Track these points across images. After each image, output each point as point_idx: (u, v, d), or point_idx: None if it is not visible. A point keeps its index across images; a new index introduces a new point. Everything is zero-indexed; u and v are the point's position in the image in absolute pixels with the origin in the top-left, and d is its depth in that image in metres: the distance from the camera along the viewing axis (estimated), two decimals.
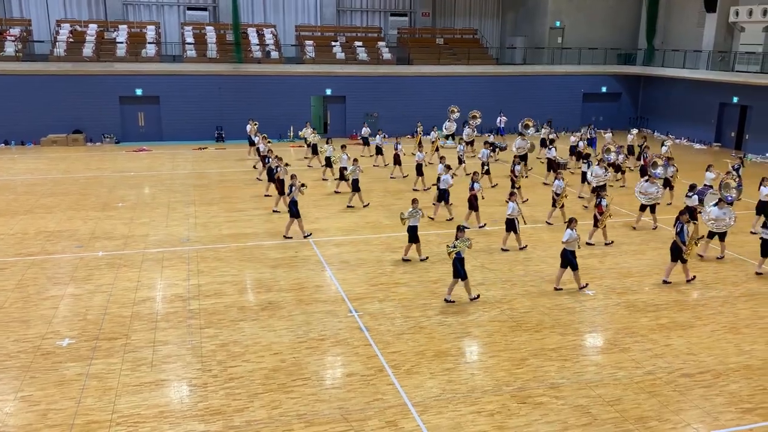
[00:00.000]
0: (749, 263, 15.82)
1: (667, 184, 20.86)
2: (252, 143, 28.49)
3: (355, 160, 21.33)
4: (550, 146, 25.09)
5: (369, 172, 25.09)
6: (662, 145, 25.89)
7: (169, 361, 10.64)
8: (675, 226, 14.57)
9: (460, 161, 24.89)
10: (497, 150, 28.33)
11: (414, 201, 15.88)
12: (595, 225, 16.85)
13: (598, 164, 20.46)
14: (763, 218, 17.50)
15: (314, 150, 27.04)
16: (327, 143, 25.16)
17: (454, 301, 13.23)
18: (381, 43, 37.51)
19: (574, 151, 26.82)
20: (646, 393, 9.92)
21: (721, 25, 32.81)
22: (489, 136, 32.15)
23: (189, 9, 37.71)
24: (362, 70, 34.80)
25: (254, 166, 26.48)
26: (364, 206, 20.45)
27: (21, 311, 12.50)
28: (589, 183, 20.80)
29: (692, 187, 17.99)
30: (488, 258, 15.93)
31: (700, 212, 17.40)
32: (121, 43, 33.14)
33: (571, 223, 13.84)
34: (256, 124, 28.71)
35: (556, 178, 19.01)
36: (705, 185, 20.02)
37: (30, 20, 34.44)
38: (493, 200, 20.90)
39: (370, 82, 34.65)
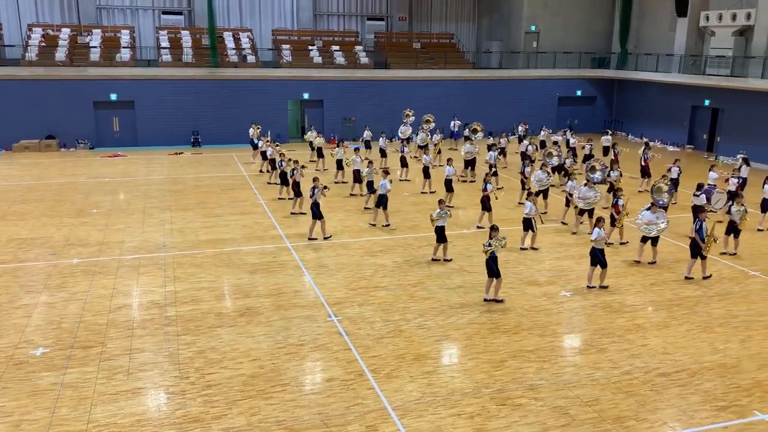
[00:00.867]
0: (721, 263, 16.08)
1: (611, 189, 20.04)
2: (255, 147, 28.62)
3: (370, 162, 21.63)
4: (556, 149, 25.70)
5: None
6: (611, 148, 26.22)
7: (146, 369, 10.51)
8: (694, 224, 15.11)
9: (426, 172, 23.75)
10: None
11: (440, 201, 16.30)
12: (613, 224, 17.18)
13: (541, 168, 20.33)
14: None
15: (319, 153, 27.17)
16: (338, 146, 25.35)
17: (498, 299, 13.50)
18: (358, 47, 37.56)
19: (524, 156, 26.92)
20: (624, 393, 10.02)
21: (692, 30, 33.40)
22: (488, 139, 32.00)
23: (164, 13, 37.39)
24: (339, 74, 34.79)
25: (261, 170, 26.45)
26: (366, 208, 20.73)
27: None
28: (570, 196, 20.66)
29: (699, 187, 18.54)
30: (467, 261, 15.99)
31: (711, 211, 17.92)
32: (95, 47, 32.74)
33: (598, 222, 14.19)
34: (258, 128, 28.77)
35: (568, 180, 19.64)
36: (709, 185, 20.04)
37: (0, 24, 33.88)
38: (471, 203, 21.03)
39: (347, 86, 34.66)
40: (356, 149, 23.24)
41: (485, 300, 13.49)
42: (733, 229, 16.46)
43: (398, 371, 10.57)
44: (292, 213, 19.97)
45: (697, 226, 14.80)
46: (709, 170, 21.23)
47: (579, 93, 38.92)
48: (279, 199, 21.73)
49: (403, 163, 25.13)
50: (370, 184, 20.62)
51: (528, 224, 16.69)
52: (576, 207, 18.39)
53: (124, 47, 33.48)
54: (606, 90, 39.42)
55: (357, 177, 22.23)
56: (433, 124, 30.66)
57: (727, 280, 15.04)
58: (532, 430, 9.04)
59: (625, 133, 38.25)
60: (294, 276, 14.85)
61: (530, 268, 15.60)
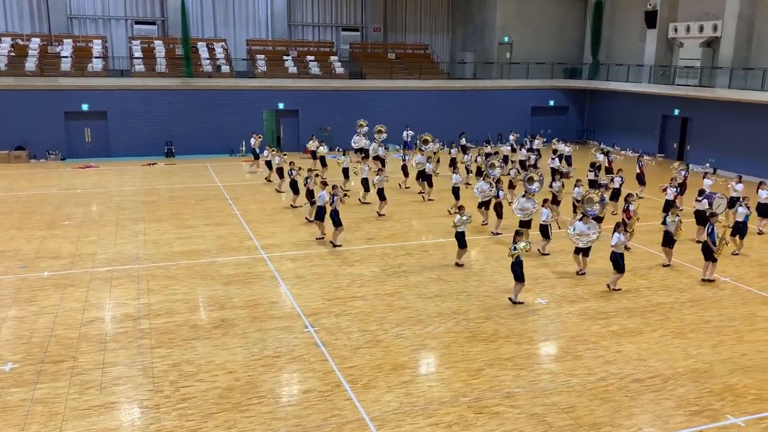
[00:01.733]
0: (694, 269, 16.35)
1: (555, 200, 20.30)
2: (256, 156, 28.79)
3: (380, 169, 21.97)
4: (553, 156, 26.20)
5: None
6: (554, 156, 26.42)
7: (119, 383, 10.33)
8: (706, 228, 15.67)
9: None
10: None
11: (460, 208, 16.53)
12: (625, 230, 17.30)
13: (484, 179, 20.03)
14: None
15: (323, 162, 27.27)
16: (344, 155, 25.85)
17: (522, 302, 13.93)
18: (333, 58, 37.62)
19: (523, 164, 27.49)
20: (599, 399, 10.11)
21: (661, 41, 34.07)
22: (486, 146, 31.81)
23: (137, 23, 37.08)
24: (315, 84, 34.79)
25: (268, 179, 26.44)
26: (380, 215, 21.04)
27: None
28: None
29: (701, 192, 19.06)
30: (444, 270, 16.04)
31: (712, 215, 17.84)
32: (66, 57, 32.30)
33: (618, 227, 14.66)
34: (260, 138, 29.09)
35: (575, 186, 19.86)
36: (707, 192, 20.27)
37: None
38: (438, 212, 21.14)
39: (322, 96, 34.65)
40: (364, 158, 23.93)
41: (512, 302, 13.97)
42: (668, 239, 16.28)
43: (376, 381, 10.53)
44: (308, 220, 20.21)
45: (709, 230, 15.43)
46: (703, 178, 21.85)
47: (552, 103, 39.40)
48: (292, 206, 21.99)
49: (405, 172, 25.35)
50: (381, 192, 21.00)
51: (545, 231, 17.08)
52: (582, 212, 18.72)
53: (96, 57, 33.08)
54: (578, 100, 39.98)
55: (366, 185, 22.68)
56: (385, 135, 30.20)
57: (698, 286, 15.29)
58: None
59: (598, 142, 38.77)
60: (270, 287, 14.75)
61: (506, 276, 15.65)
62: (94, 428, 9.09)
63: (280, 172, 24.62)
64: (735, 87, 28.81)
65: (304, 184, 20.67)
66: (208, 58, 34.67)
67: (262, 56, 36.08)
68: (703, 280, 15.56)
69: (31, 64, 31.30)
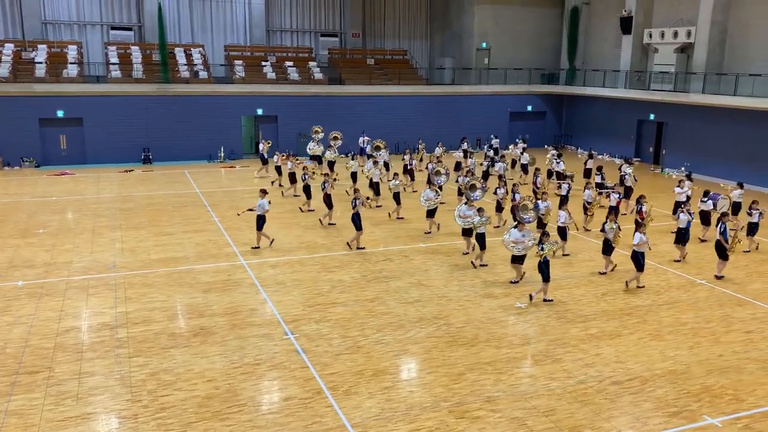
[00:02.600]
0: (670, 273, 16.56)
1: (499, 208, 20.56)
2: (265, 162, 28.86)
3: (396, 174, 22.33)
4: (558, 160, 26.51)
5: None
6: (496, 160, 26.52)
7: (96, 393, 10.17)
8: (718, 227, 16.04)
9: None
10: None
11: (480, 210, 16.81)
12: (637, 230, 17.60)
13: (429, 187, 20.06)
14: None
15: (330, 167, 27.42)
16: (352, 159, 26.12)
17: (552, 299, 14.39)
18: (312, 63, 37.59)
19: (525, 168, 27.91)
20: (579, 402, 10.18)
21: (636, 47, 34.54)
22: (489, 150, 31.81)
23: (113, 28, 36.72)
24: (294, 90, 34.71)
25: (280, 184, 26.50)
26: (399, 218, 21.32)
27: None
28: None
29: (706, 193, 19.55)
30: (424, 275, 16.06)
31: (724, 214, 17.91)
32: (41, 63, 31.87)
33: (639, 227, 15.22)
34: (269, 143, 29.23)
35: (585, 188, 20.57)
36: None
37: None
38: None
39: (301, 101, 34.59)
40: (375, 163, 24.19)
41: (544, 300, 14.37)
42: (607, 247, 16.02)
43: (357, 388, 10.50)
44: (330, 223, 20.54)
45: (721, 229, 15.91)
46: (677, 186, 21.78)
47: (530, 108, 39.74)
48: (309, 210, 22.21)
49: (411, 176, 25.40)
50: (396, 196, 21.40)
51: (564, 233, 17.27)
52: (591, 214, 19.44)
53: (71, 63, 32.68)
54: (555, 105, 40.36)
55: (377, 189, 22.96)
56: (340, 141, 29.68)
57: (675, 288, 15.48)
58: None
59: (575, 147, 39.17)
60: (249, 294, 14.65)
61: (485, 280, 15.77)
62: None
63: (292, 176, 24.80)
64: (708, 92, 29.29)
65: (322, 189, 20.80)
66: (185, 64, 34.44)
67: (241, 62, 35.94)
68: (716, 276, 16.15)
69: (4, 70, 30.81)
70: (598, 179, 23.54)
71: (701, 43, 30.50)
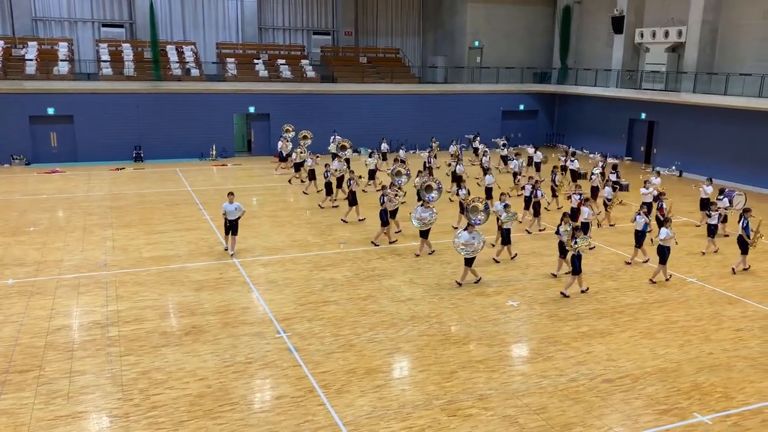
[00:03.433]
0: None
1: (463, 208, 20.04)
2: (283, 159, 29.13)
3: (420, 171, 22.41)
4: (572, 158, 26.56)
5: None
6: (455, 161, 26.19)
7: (87, 392, 10.13)
8: (740, 222, 16.47)
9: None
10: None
11: (506, 205, 17.12)
12: (723, 221, 18.17)
13: (390, 188, 19.43)
14: None
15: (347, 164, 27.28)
16: (370, 156, 26.22)
17: (587, 289, 15.05)
18: (304, 61, 37.51)
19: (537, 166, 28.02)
20: (571, 400, 10.22)
21: (628, 46, 34.68)
22: (503, 148, 31.47)
23: (104, 25, 36.50)
24: (286, 88, 34.63)
25: (290, 180, 26.78)
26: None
27: None
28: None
29: (722, 191, 19.89)
30: (417, 274, 16.08)
31: (746, 210, 17.63)
32: (31, 60, 31.65)
33: (666, 222, 15.64)
34: (288, 142, 29.55)
35: (605, 186, 20.84)
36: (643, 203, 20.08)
37: None
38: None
39: (294, 100, 34.52)
40: (396, 160, 24.27)
41: (562, 294, 14.68)
42: (561, 248, 15.87)
43: (349, 386, 10.50)
44: (359, 219, 20.73)
45: (744, 224, 16.33)
46: (604, 186, 21.72)
47: (522, 107, 39.81)
48: (333, 207, 22.49)
49: (430, 173, 25.00)
50: (420, 194, 21.25)
51: (586, 228, 17.41)
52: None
53: (62, 60, 32.47)
54: (548, 104, 40.46)
55: (329, 189, 22.85)
56: (310, 141, 29.51)
57: (666, 287, 15.56)
58: None
59: (567, 146, 39.27)
60: (241, 292, 14.62)
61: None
62: None
63: (311, 174, 24.95)
64: (699, 91, 29.45)
65: (348, 186, 21.03)
66: (177, 62, 34.30)
67: (233, 59, 35.81)
68: (733, 270, 16.55)
69: None
70: (613, 177, 23.64)
71: (692, 43, 30.66)
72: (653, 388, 10.67)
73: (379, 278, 15.70)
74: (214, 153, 32.85)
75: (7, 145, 30.04)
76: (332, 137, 31.57)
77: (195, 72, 34.03)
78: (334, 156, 26.30)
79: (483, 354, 11.75)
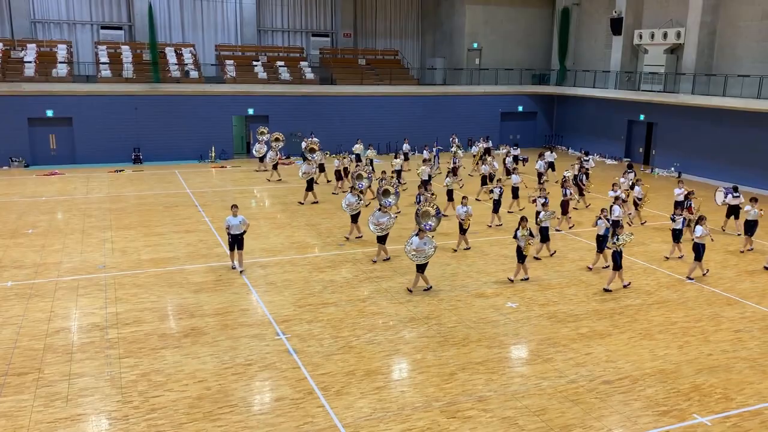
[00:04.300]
0: (660, 272, 16.65)
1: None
2: (305, 159, 28.76)
3: (450, 171, 22.75)
4: (587, 158, 26.72)
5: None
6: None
7: (86, 395, 10.12)
8: (694, 230, 16.29)
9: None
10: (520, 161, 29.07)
11: (545, 204, 17.46)
12: (687, 225, 17.94)
13: (351, 192, 19.18)
14: None
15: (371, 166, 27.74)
16: (396, 158, 26.67)
17: (630, 283, 15.39)
18: (303, 63, 37.52)
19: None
20: (570, 401, 10.22)
21: (626, 47, 34.70)
22: (516, 148, 31.01)
23: (103, 28, 36.49)
24: (285, 90, 34.64)
25: (328, 181, 27.08)
26: (444, 215, 20.95)
27: None
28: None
29: (736, 188, 20.34)
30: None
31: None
32: (30, 62, 31.65)
33: (700, 220, 15.87)
34: (310, 142, 29.43)
35: (635, 185, 21.25)
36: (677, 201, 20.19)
37: None
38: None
39: (293, 101, 34.53)
40: (424, 161, 24.68)
41: (605, 290, 14.99)
42: (519, 254, 15.46)
43: (348, 388, 10.50)
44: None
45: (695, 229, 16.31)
46: (633, 185, 21.81)
47: (521, 108, 39.83)
48: (366, 206, 22.07)
49: (455, 172, 25.18)
50: (449, 193, 22.06)
51: (616, 227, 17.07)
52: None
53: (60, 62, 32.48)
54: (546, 105, 40.48)
55: (310, 186, 23.28)
56: (281, 144, 29.60)
57: (665, 288, 15.57)
58: None
59: (566, 147, 39.31)
60: (240, 294, 14.61)
61: (477, 280, 15.80)
62: None
63: (338, 174, 25.50)
64: (698, 93, 29.48)
65: (378, 186, 21.08)
66: (176, 64, 34.30)
67: (232, 61, 35.82)
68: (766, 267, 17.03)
69: None
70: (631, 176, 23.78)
71: (690, 44, 30.69)
72: (653, 389, 10.67)
73: (378, 280, 15.69)
74: (213, 155, 32.84)
75: (6, 147, 30.02)
76: (310, 138, 31.66)
77: (194, 74, 34.03)
78: (304, 159, 26.05)
79: (482, 355, 11.75)
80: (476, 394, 10.37)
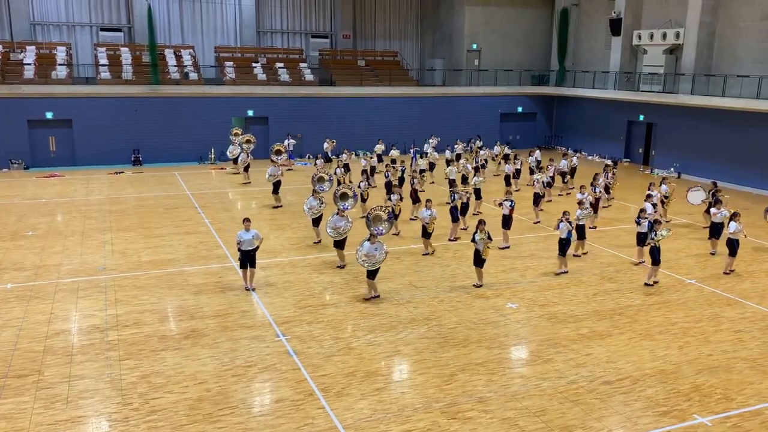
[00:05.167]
0: (660, 272, 16.62)
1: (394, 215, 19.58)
2: (328, 160, 29.70)
3: (477, 169, 23.24)
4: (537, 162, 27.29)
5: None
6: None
7: (86, 396, 10.12)
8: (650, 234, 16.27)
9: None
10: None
11: (580, 203, 17.89)
12: (651, 229, 17.83)
13: (313, 195, 18.78)
14: None
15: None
16: (420, 157, 27.51)
17: (655, 283, 15.63)
18: (303, 65, 37.53)
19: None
20: (570, 402, 10.21)
21: (626, 48, 34.72)
22: (536, 151, 30.41)
23: (102, 30, 36.50)
24: (284, 92, 34.64)
25: (349, 181, 26.81)
26: (475, 213, 21.44)
27: None
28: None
29: (715, 184, 21.05)
30: (416, 276, 16.08)
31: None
32: (29, 64, 31.66)
33: (735, 216, 16.35)
34: (333, 142, 30.38)
35: (662, 184, 21.63)
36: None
37: None
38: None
39: (292, 103, 34.54)
40: (449, 161, 25.57)
41: (645, 284, 15.51)
42: (477, 258, 15.11)
43: (349, 389, 10.49)
44: (411, 219, 21.16)
45: (652, 236, 16.20)
46: (660, 184, 21.97)
47: (520, 109, 39.84)
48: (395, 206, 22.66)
49: (477, 171, 24.83)
50: (477, 192, 22.32)
51: (643, 240, 17.04)
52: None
53: (60, 64, 32.50)
54: (546, 106, 40.49)
55: (276, 188, 23.27)
56: (253, 145, 29.52)
57: (665, 288, 15.57)
58: None
59: (565, 148, 39.31)
60: (240, 296, 14.60)
61: (476, 281, 15.77)
62: None
63: (366, 173, 25.51)
64: (697, 93, 29.49)
65: (411, 185, 21.56)
66: (175, 65, 34.31)
67: (231, 63, 35.85)
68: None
69: None
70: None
71: (690, 45, 30.70)
72: (653, 389, 10.66)
73: (378, 281, 15.67)
74: (212, 157, 32.84)
75: (5, 149, 30.02)
76: (287, 141, 31.92)
77: (193, 76, 34.05)
78: (272, 161, 25.84)
79: (482, 356, 11.74)
80: (476, 395, 10.36)
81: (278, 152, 26.99)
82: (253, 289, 14.84)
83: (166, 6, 37.48)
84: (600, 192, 21.35)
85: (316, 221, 18.69)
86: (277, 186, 23.33)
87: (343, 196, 18.75)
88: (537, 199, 21.70)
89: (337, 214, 16.63)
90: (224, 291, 14.85)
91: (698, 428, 9.59)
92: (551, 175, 24.63)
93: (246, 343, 12.13)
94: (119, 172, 30.10)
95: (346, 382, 10.70)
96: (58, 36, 35.98)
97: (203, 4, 38.40)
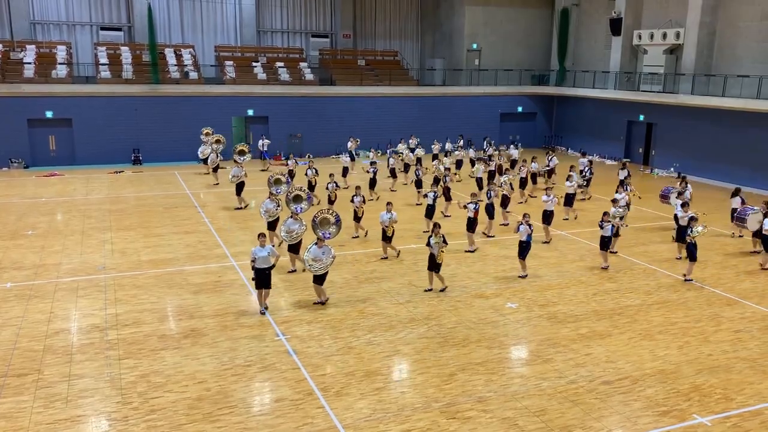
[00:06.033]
0: (660, 272, 16.65)
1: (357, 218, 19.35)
2: (353, 159, 29.87)
3: (507, 169, 23.51)
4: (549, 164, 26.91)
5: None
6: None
7: (86, 396, 10.11)
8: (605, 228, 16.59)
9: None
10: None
11: (614, 201, 18.17)
12: (616, 234, 17.99)
13: (269, 198, 18.17)
14: None
15: (406, 167, 28.23)
16: (446, 156, 27.88)
17: (691, 280, 15.85)
18: (303, 64, 37.52)
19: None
20: (570, 402, 10.21)
21: (626, 48, 34.71)
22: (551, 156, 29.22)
23: (102, 29, 36.50)
24: (284, 91, 34.64)
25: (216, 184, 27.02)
26: (507, 212, 21.32)
27: None
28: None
29: (683, 179, 21.63)
30: (416, 276, 16.07)
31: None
32: (29, 63, 31.65)
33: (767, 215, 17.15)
34: (357, 141, 30.80)
35: (684, 182, 21.79)
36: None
37: None
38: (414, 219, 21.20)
39: (292, 102, 34.54)
40: (474, 161, 25.61)
41: (686, 280, 15.83)
42: (432, 262, 14.71)
43: (348, 389, 10.49)
44: (444, 215, 21.49)
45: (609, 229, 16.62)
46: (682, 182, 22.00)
47: (520, 109, 39.83)
48: (417, 204, 23.21)
49: (500, 171, 24.96)
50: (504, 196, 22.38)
51: (607, 244, 16.92)
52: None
53: (60, 63, 32.49)
54: (546, 106, 40.48)
55: (480, 184, 24.16)
56: (222, 146, 29.15)
57: (665, 288, 15.56)
58: None
59: (565, 148, 39.32)
60: (240, 295, 14.60)
61: (477, 281, 15.79)
62: None
63: (393, 171, 26.15)
64: (697, 93, 29.49)
65: (443, 183, 21.73)
66: (175, 65, 34.30)
67: (231, 62, 35.84)
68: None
69: None
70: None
71: (690, 45, 30.70)
72: (652, 389, 10.66)
73: (378, 281, 15.69)
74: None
75: (5, 148, 30.02)
76: (261, 141, 31.78)
77: (193, 75, 34.04)
78: (235, 162, 25.57)
79: (482, 356, 11.74)
80: (476, 395, 10.36)
81: (241, 152, 26.22)
82: (266, 308, 13.72)
83: (166, 5, 37.47)
84: (631, 190, 21.01)
85: (272, 225, 17.82)
86: (240, 187, 22.79)
87: (297, 199, 17.96)
88: (505, 201, 20.88)
89: (291, 217, 16.13)
90: (224, 290, 14.85)
91: (698, 428, 9.59)
92: (523, 176, 24.46)
93: (245, 342, 12.13)
94: (119, 172, 30.10)
95: (346, 382, 10.70)
96: (58, 35, 35.96)
97: (203, 3, 38.39)
